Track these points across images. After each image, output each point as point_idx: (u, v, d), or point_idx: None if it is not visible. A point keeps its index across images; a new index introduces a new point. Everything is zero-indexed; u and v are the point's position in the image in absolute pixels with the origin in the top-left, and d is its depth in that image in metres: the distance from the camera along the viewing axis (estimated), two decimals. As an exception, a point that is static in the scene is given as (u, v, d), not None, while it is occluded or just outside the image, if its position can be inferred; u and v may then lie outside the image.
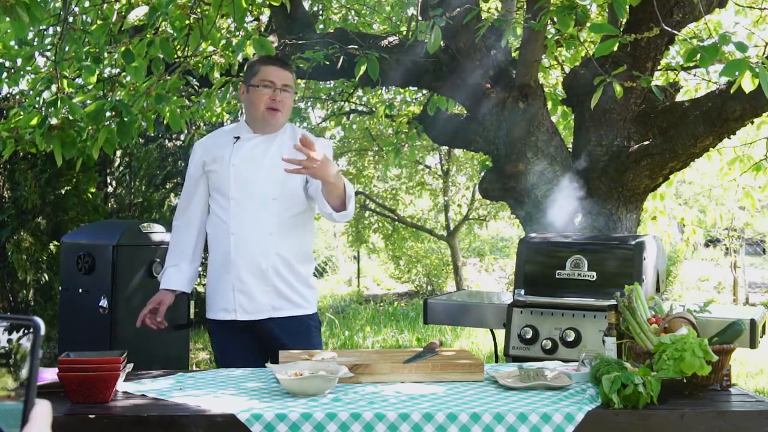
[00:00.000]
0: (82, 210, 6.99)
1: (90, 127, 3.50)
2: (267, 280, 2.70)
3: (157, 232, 4.34)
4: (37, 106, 3.44)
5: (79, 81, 4.16)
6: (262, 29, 5.44)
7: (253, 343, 2.75)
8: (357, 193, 11.06)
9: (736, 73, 2.72)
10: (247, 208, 2.70)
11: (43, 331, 0.71)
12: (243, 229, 2.70)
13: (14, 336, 0.72)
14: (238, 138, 2.78)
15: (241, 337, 2.75)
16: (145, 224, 4.37)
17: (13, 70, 3.68)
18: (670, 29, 3.33)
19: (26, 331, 0.72)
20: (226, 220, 2.72)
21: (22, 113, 3.64)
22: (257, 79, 2.74)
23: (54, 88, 3.27)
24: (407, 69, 4.53)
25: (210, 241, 2.83)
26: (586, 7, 3.00)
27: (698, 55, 2.81)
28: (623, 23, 4.12)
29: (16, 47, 3.44)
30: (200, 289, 9.75)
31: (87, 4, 3.95)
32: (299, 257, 2.78)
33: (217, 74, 4.06)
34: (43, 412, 0.71)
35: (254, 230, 2.69)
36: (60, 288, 4.40)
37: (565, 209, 4.05)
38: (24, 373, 0.71)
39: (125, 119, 3.37)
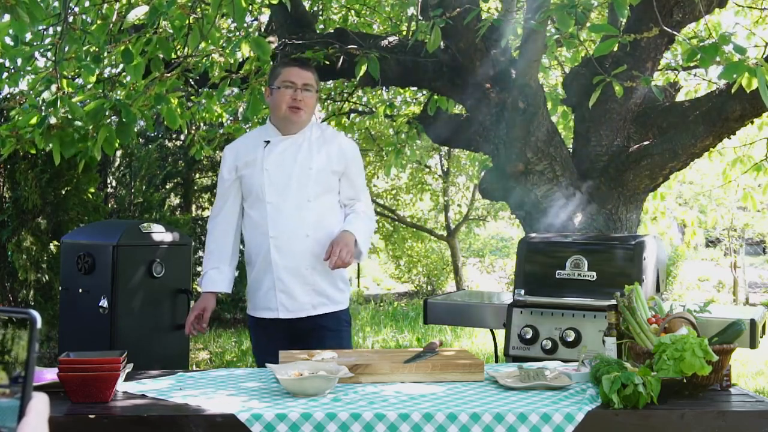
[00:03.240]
0: (82, 210, 6.99)
1: (89, 127, 3.50)
2: (306, 279, 2.80)
3: (157, 232, 4.34)
4: (37, 106, 3.43)
5: (79, 81, 4.16)
6: (262, 29, 5.44)
7: (290, 339, 2.82)
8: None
9: (735, 76, 2.72)
10: (284, 211, 2.78)
11: (39, 325, 0.71)
12: (281, 232, 2.78)
13: (10, 329, 0.72)
14: (268, 142, 2.85)
15: (281, 335, 2.83)
16: (145, 224, 4.37)
17: (13, 70, 3.68)
18: (670, 29, 3.33)
19: (23, 325, 0.71)
20: (264, 224, 2.80)
21: (22, 113, 3.64)
22: (279, 80, 2.81)
23: (54, 87, 3.26)
24: (407, 69, 4.53)
25: (248, 243, 2.91)
26: (590, 2, 3.00)
27: (698, 56, 2.81)
28: (623, 23, 4.12)
29: (13, 45, 3.43)
30: (200, 289, 9.75)
31: (87, 4, 3.95)
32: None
33: (216, 72, 4.06)
34: (39, 405, 0.71)
35: (292, 233, 2.78)
36: (60, 288, 4.40)
37: (565, 209, 4.05)
38: (21, 366, 0.71)
39: (124, 119, 3.37)
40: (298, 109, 2.79)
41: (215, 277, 2.90)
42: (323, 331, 2.81)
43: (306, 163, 2.80)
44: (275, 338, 2.81)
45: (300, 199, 2.79)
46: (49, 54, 3.73)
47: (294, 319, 2.82)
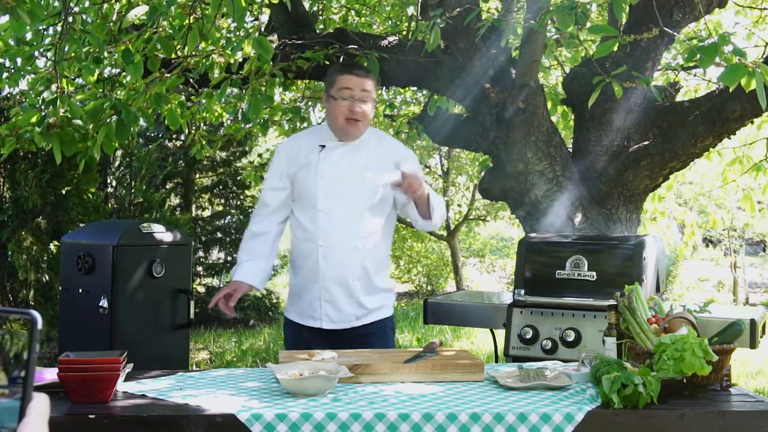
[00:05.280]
0: (82, 210, 7.00)
1: (89, 126, 3.50)
2: (353, 292, 2.74)
3: (157, 232, 4.34)
4: (37, 105, 3.44)
5: (80, 80, 4.16)
6: (262, 29, 5.44)
7: (330, 347, 2.70)
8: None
9: (734, 79, 2.72)
10: (336, 221, 2.71)
11: (40, 325, 0.71)
12: (331, 242, 2.71)
13: (11, 330, 0.72)
14: (323, 147, 2.76)
15: (322, 341, 2.74)
16: (145, 224, 4.37)
17: (12, 70, 3.68)
18: (670, 29, 3.33)
19: (23, 325, 0.71)
20: (314, 232, 2.72)
21: (22, 113, 3.64)
22: (335, 89, 2.71)
23: (54, 87, 3.27)
24: (407, 69, 4.53)
25: (295, 247, 2.82)
26: (586, 7, 3.00)
27: (698, 56, 2.81)
28: (623, 24, 4.12)
29: (13, 43, 3.43)
30: (200, 289, 9.76)
31: (87, 3, 3.95)
32: (381, 265, 2.82)
33: (216, 73, 4.06)
34: (40, 405, 0.71)
35: (342, 244, 2.71)
36: (60, 288, 4.40)
37: (565, 209, 4.05)
38: (21, 366, 0.71)
39: (124, 119, 3.37)
40: (355, 121, 2.69)
41: (251, 269, 2.80)
42: (368, 338, 2.75)
43: (362, 172, 2.72)
44: (315, 345, 2.71)
45: (353, 209, 2.71)
46: (49, 54, 3.73)
47: (337, 330, 2.76)
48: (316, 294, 2.75)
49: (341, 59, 4.42)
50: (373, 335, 2.77)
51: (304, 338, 2.80)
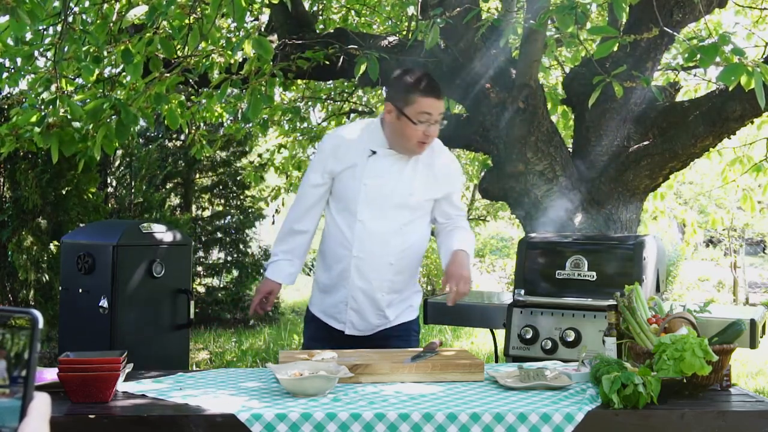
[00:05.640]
0: (82, 210, 7.00)
1: (89, 126, 3.50)
2: (379, 305, 2.69)
3: (157, 232, 4.34)
4: (37, 105, 3.44)
5: (79, 80, 4.16)
6: (262, 29, 5.44)
7: (352, 346, 2.70)
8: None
9: (732, 78, 2.72)
10: (373, 234, 2.62)
11: (41, 324, 0.71)
12: (365, 254, 2.63)
13: (12, 329, 0.71)
14: (374, 152, 2.63)
15: (341, 343, 2.68)
16: (145, 224, 4.37)
17: (12, 70, 3.69)
18: (670, 29, 3.33)
19: (25, 325, 0.71)
20: (350, 239, 2.64)
21: (22, 113, 3.64)
22: (413, 110, 2.54)
23: (53, 87, 3.27)
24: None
25: (328, 246, 2.73)
26: (586, 7, 3.00)
27: (698, 56, 2.81)
28: (623, 24, 4.12)
29: (13, 43, 3.43)
30: (200, 289, 9.76)
31: (87, 3, 3.95)
32: (411, 279, 2.78)
33: (216, 73, 4.06)
34: (41, 405, 0.71)
35: (376, 258, 2.64)
36: (60, 288, 4.40)
37: (565, 209, 4.05)
38: (22, 366, 0.71)
39: (123, 119, 3.37)
40: (425, 144, 2.59)
41: (287, 269, 2.72)
42: (391, 340, 2.71)
43: (408, 187, 2.63)
44: (335, 344, 2.65)
45: (393, 224, 2.63)
46: (48, 54, 3.73)
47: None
48: (343, 298, 2.69)
49: (341, 59, 4.43)
50: (398, 337, 2.73)
51: (324, 336, 2.73)
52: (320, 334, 2.76)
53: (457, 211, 2.80)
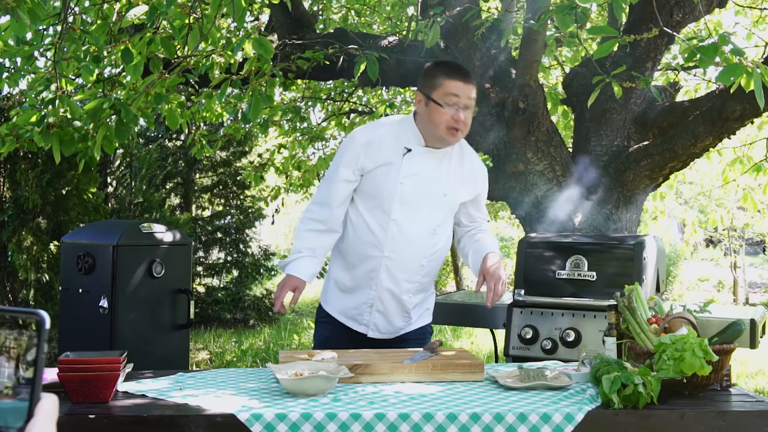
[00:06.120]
0: (82, 210, 7.00)
1: (88, 126, 3.50)
2: (405, 306, 2.66)
3: (157, 232, 4.34)
4: (37, 105, 3.44)
5: (79, 80, 4.16)
6: (262, 29, 5.44)
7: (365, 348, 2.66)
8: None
9: (732, 79, 2.72)
10: (407, 234, 2.56)
11: (48, 325, 0.71)
12: (398, 255, 2.58)
13: (19, 330, 0.71)
14: (408, 150, 2.56)
15: (358, 345, 2.65)
16: (145, 224, 4.37)
17: (12, 70, 3.69)
18: (670, 29, 3.33)
19: (31, 325, 0.71)
20: (382, 240, 2.57)
21: (22, 113, 3.64)
22: (440, 93, 2.49)
23: (53, 87, 3.27)
24: (407, 69, 4.53)
25: (352, 245, 2.64)
26: (586, 7, 3.00)
27: (697, 56, 2.81)
28: (623, 24, 4.12)
29: (13, 43, 3.44)
30: (200, 289, 9.76)
31: (87, 3, 3.95)
32: (434, 277, 2.77)
33: (216, 73, 4.07)
34: (48, 406, 0.71)
35: (409, 260, 2.59)
36: (60, 288, 4.40)
37: (565, 209, 4.05)
38: (29, 367, 0.71)
39: (123, 119, 3.37)
40: (456, 130, 2.50)
41: (309, 265, 2.60)
42: (406, 344, 2.68)
43: (441, 187, 2.58)
44: (351, 345, 2.62)
45: (428, 224, 2.58)
46: (48, 54, 3.73)
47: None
48: (367, 300, 2.63)
49: (341, 59, 4.43)
50: (413, 341, 2.71)
51: (341, 338, 2.66)
52: (337, 336, 2.68)
53: (482, 215, 2.78)
